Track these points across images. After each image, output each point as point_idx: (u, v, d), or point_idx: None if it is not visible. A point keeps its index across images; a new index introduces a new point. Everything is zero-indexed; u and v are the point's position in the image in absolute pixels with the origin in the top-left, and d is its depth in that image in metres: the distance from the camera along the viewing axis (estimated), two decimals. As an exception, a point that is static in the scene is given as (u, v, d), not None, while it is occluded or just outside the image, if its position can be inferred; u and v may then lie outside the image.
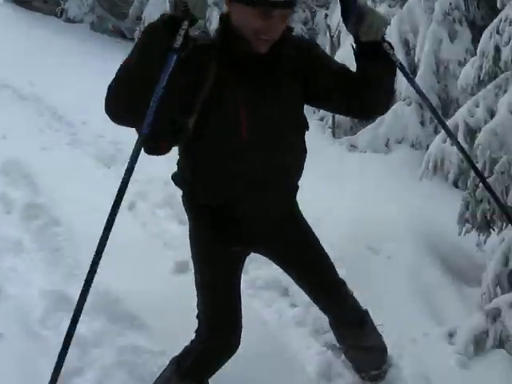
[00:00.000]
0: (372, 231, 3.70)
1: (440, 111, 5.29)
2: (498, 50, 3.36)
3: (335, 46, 7.05)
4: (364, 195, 4.27)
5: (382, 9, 6.45)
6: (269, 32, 1.57)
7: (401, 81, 5.17)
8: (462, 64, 5.23)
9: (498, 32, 3.67)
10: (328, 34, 7.25)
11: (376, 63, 1.72)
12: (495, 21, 3.93)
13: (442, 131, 3.80)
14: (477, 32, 5.35)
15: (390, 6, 6.49)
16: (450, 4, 5.52)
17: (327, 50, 6.90)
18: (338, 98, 1.83)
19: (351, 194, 4.33)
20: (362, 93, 1.77)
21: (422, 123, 5.66)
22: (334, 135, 6.33)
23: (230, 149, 1.70)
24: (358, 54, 1.76)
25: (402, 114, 5.68)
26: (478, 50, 3.96)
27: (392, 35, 5.73)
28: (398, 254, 3.52)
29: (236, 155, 1.71)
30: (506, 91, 3.07)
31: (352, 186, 4.54)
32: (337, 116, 6.12)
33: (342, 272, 2.26)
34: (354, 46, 1.76)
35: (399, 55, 5.78)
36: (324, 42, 8.05)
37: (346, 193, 4.38)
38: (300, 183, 2.01)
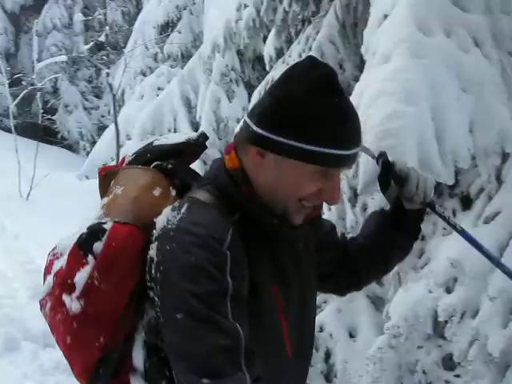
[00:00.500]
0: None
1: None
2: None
3: (117, 104, 7.04)
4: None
5: (164, 68, 6.61)
6: (328, 197, 1.05)
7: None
8: (240, 121, 5.53)
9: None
10: (111, 92, 7.21)
11: (412, 233, 1.34)
12: (263, 82, 4.22)
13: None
14: (252, 91, 5.73)
15: (171, 66, 6.69)
16: (227, 66, 5.84)
17: (111, 110, 6.80)
18: (340, 274, 1.35)
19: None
20: (379, 267, 1.39)
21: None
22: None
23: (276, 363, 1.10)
24: (391, 220, 1.32)
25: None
26: (249, 108, 4.20)
27: (174, 94, 5.87)
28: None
29: (283, 368, 1.12)
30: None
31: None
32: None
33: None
34: (388, 210, 1.34)
35: (181, 115, 5.92)
36: (108, 101, 7.85)
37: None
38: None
